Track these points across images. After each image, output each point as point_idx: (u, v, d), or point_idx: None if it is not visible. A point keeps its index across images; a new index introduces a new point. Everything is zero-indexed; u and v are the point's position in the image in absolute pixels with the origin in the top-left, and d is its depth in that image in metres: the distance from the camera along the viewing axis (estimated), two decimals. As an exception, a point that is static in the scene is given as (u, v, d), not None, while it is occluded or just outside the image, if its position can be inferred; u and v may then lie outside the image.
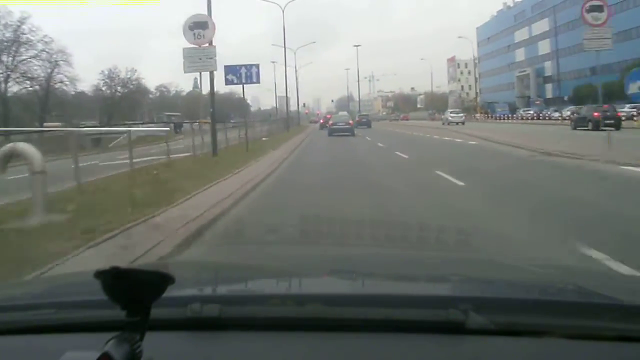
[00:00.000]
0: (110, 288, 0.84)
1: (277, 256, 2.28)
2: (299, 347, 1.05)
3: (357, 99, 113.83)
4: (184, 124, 34.58)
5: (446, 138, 26.36)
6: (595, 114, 27.95)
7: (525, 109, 61.98)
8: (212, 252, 4.34)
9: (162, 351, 0.97)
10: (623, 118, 30.55)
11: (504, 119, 57.73)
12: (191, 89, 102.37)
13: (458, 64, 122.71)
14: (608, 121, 26.94)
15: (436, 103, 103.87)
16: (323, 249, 3.66)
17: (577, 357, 1.01)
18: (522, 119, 53.91)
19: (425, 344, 1.05)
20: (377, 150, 20.66)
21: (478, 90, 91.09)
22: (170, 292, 0.88)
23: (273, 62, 70.97)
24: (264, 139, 28.88)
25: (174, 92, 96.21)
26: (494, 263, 2.08)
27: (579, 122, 30.59)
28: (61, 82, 47.78)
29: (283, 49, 53.77)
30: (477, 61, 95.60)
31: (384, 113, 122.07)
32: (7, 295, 1.46)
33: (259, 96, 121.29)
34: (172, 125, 34.24)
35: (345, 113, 46.70)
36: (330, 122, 37.09)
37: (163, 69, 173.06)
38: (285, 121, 55.01)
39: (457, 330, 1.04)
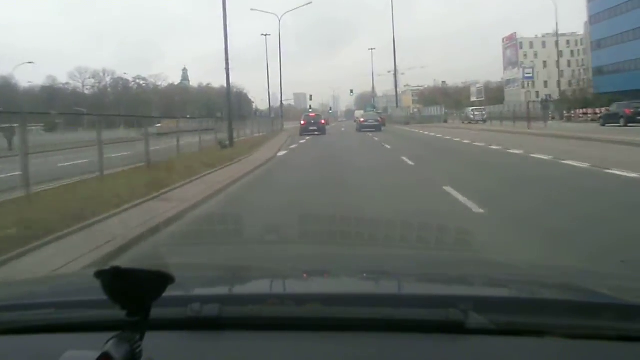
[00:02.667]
0: (110, 288, 0.84)
1: (277, 256, 2.30)
2: (298, 347, 1.06)
3: (380, 94, 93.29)
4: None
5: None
6: (627, 110, 29.00)
7: None
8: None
9: (162, 351, 0.97)
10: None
11: None
12: (179, 81, 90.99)
13: (521, 44, 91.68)
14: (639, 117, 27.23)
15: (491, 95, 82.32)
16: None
17: (577, 357, 1.01)
18: None
19: (425, 344, 1.05)
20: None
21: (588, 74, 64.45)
22: (170, 292, 0.88)
23: (265, 34, 55.92)
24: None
25: (165, 84, 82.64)
26: (494, 263, 2.07)
27: (608, 119, 30.30)
28: None
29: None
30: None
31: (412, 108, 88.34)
32: (7, 295, 1.47)
33: (277, 92, 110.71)
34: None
35: (373, 112, 50.18)
36: (361, 119, 41.25)
37: (153, 60, 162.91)
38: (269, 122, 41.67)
39: (457, 330, 1.04)
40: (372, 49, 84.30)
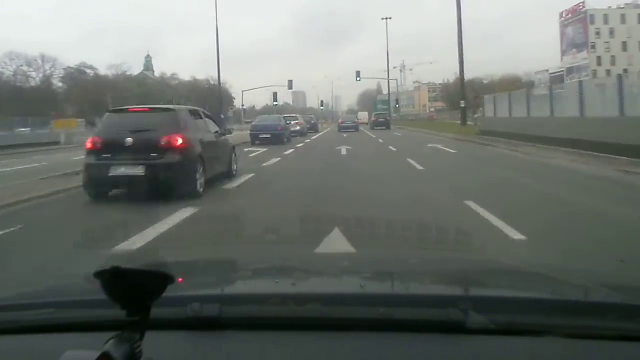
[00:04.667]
0: (110, 288, 0.84)
1: (277, 256, 2.31)
2: (299, 347, 1.06)
3: (385, 92, 75.98)
4: None
5: None
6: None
7: None
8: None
9: (162, 351, 0.97)
10: None
11: None
12: (141, 70, 78.64)
13: (592, 17, 64.44)
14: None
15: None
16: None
17: (577, 356, 1.01)
18: None
19: (425, 344, 1.05)
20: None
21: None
22: (170, 292, 0.88)
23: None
24: None
25: (127, 73, 70.25)
26: (494, 263, 2.08)
27: None
28: None
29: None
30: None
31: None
32: (7, 295, 1.46)
33: (279, 92, 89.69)
34: None
35: (352, 115, 56.90)
36: (340, 120, 45.68)
37: (118, 49, 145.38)
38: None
39: (457, 330, 1.04)
40: (387, 19, 64.65)
